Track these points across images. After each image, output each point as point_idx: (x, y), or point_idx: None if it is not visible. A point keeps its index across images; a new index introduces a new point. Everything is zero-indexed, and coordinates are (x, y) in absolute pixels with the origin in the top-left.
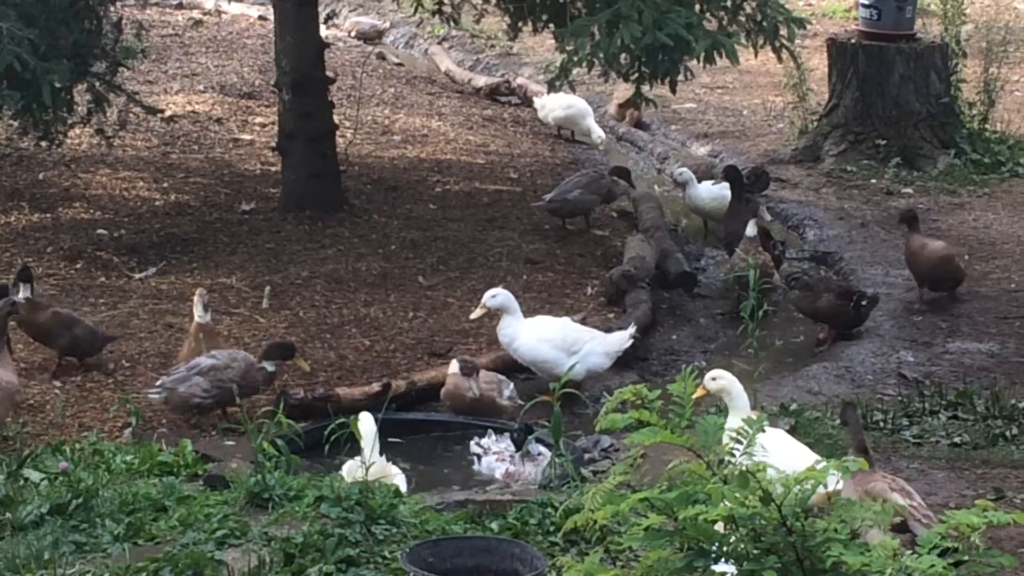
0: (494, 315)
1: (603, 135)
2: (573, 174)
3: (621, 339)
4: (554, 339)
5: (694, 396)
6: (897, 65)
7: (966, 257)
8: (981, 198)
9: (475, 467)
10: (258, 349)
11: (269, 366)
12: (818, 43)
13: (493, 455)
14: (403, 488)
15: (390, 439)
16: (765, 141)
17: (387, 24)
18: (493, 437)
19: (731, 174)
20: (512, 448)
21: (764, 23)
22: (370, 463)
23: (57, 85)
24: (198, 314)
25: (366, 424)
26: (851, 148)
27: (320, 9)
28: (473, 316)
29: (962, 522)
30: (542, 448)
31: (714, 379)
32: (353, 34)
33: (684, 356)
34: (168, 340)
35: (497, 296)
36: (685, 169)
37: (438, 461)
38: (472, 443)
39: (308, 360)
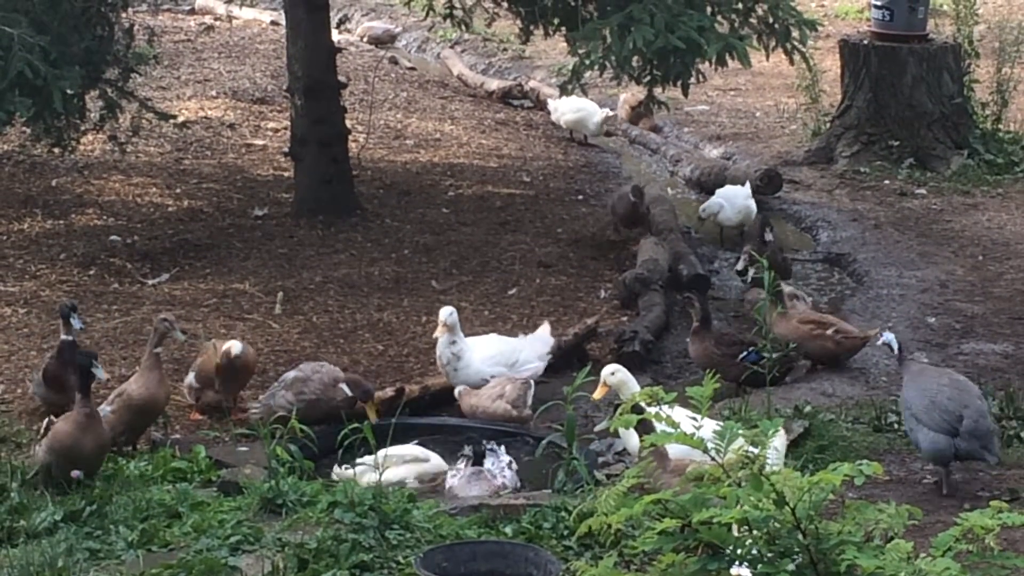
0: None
1: (599, 120)
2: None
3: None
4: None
5: (596, 396)
6: (910, 66)
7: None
8: (995, 198)
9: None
10: (272, 355)
11: (348, 390)
12: (830, 44)
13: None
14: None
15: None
16: (778, 143)
17: (399, 28)
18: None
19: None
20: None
21: (776, 25)
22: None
23: (69, 92)
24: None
25: None
26: (864, 149)
27: (332, 14)
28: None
29: (976, 523)
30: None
31: (612, 374)
32: (365, 39)
33: None
34: (181, 346)
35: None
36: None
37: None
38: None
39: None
